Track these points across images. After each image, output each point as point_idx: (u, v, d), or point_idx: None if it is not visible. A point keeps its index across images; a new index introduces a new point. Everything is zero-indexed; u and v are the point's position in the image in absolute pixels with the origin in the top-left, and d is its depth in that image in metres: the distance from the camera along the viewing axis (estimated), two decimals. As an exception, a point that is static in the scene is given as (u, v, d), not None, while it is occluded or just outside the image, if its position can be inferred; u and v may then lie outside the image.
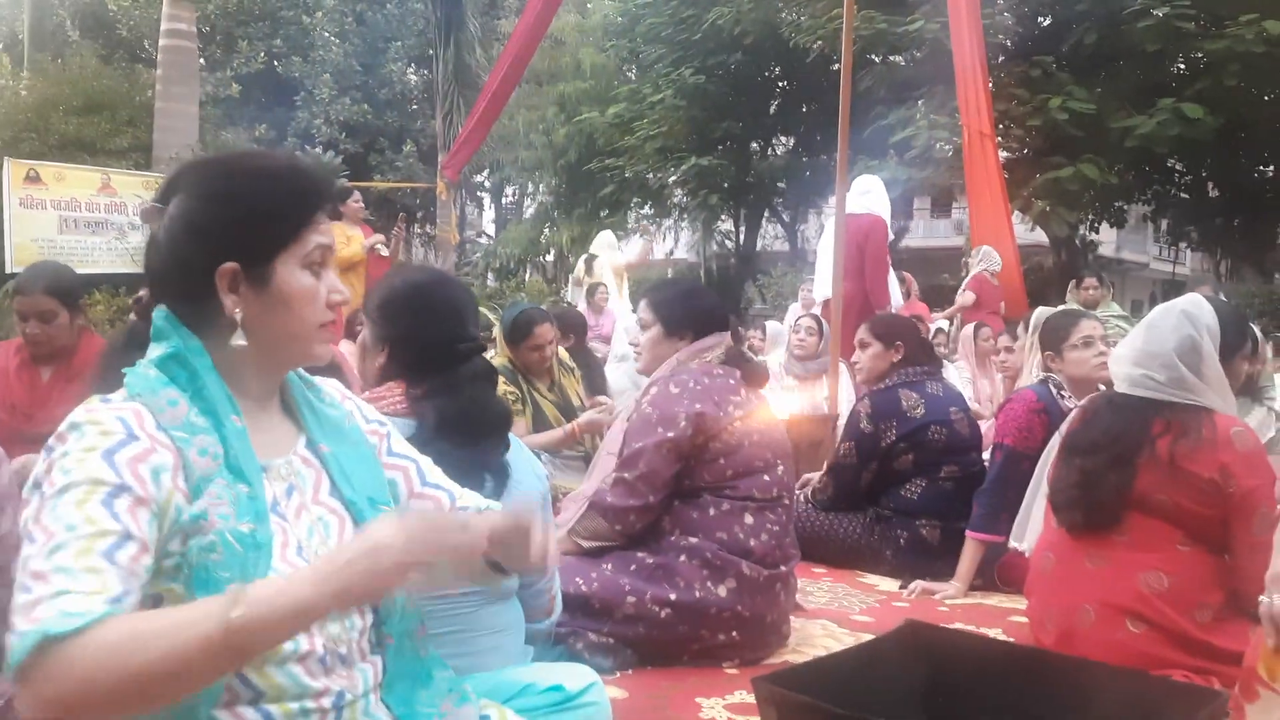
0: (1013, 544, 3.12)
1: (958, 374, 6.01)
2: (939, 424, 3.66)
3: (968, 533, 3.36)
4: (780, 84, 18.44)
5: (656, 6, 16.98)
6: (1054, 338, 3.41)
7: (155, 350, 1.19)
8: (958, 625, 2.97)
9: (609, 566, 2.60)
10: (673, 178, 17.40)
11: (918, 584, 3.44)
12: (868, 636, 2.54)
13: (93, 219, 10.04)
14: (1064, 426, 2.79)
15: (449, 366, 1.94)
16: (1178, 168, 15.61)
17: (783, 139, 19.57)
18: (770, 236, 23.30)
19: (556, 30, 17.80)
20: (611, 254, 9.59)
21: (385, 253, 7.68)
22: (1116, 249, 26.79)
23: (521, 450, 2.09)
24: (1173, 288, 24.40)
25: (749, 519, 2.64)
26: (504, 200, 27.50)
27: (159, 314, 1.21)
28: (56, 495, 1.04)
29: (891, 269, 6.91)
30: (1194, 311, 2.47)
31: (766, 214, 20.89)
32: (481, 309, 2.39)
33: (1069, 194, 12.25)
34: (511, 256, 20.67)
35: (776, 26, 14.54)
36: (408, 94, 20.17)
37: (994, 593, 3.41)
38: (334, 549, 1.10)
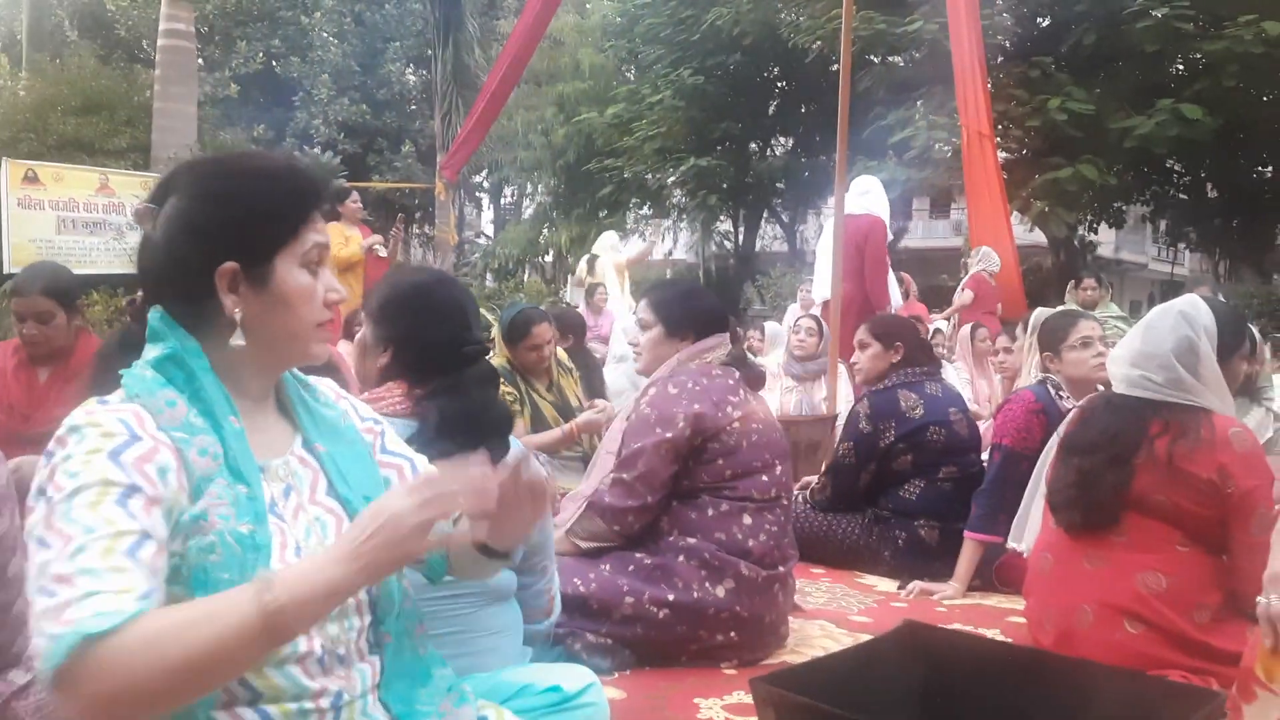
0: (1011, 544, 3.12)
1: (955, 375, 6.02)
2: (938, 425, 3.66)
3: (966, 533, 3.36)
4: (779, 84, 18.44)
5: (655, 7, 16.98)
6: (1052, 338, 3.41)
7: (151, 352, 1.19)
8: (956, 626, 2.97)
9: (607, 567, 2.60)
10: (671, 178, 17.40)
11: (916, 584, 3.44)
12: (866, 637, 2.54)
13: (91, 219, 10.03)
14: (1062, 427, 2.79)
15: (454, 368, 1.93)
16: (1176, 168, 15.62)
17: (782, 139, 19.57)
18: (769, 237, 23.32)
19: (555, 30, 17.80)
20: (613, 254, 9.59)
21: (383, 253, 7.67)
22: (1115, 250, 26.82)
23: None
24: (1171, 288, 24.41)
25: (747, 519, 2.64)
26: (502, 201, 27.50)
27: (154, 315, 1.20)
28: (68, 499, 1.03)
29: (891, 269, 6.92)
30: (1191, 312, 2.47)
31: (765, 215, 20.90)
32: (481, 310, 2.38)
33: (1068, 194, 12.27)
34: (510, 257, 20.67)
35: (775, 27, 14.54)
36: (406, 94, 20.16)
37: (992, 593, 3.41)
38: (348, 529, 1.10)
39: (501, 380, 3.84)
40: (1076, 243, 16.13)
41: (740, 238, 21.32)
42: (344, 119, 18.06)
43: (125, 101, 12.53)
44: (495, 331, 4.25)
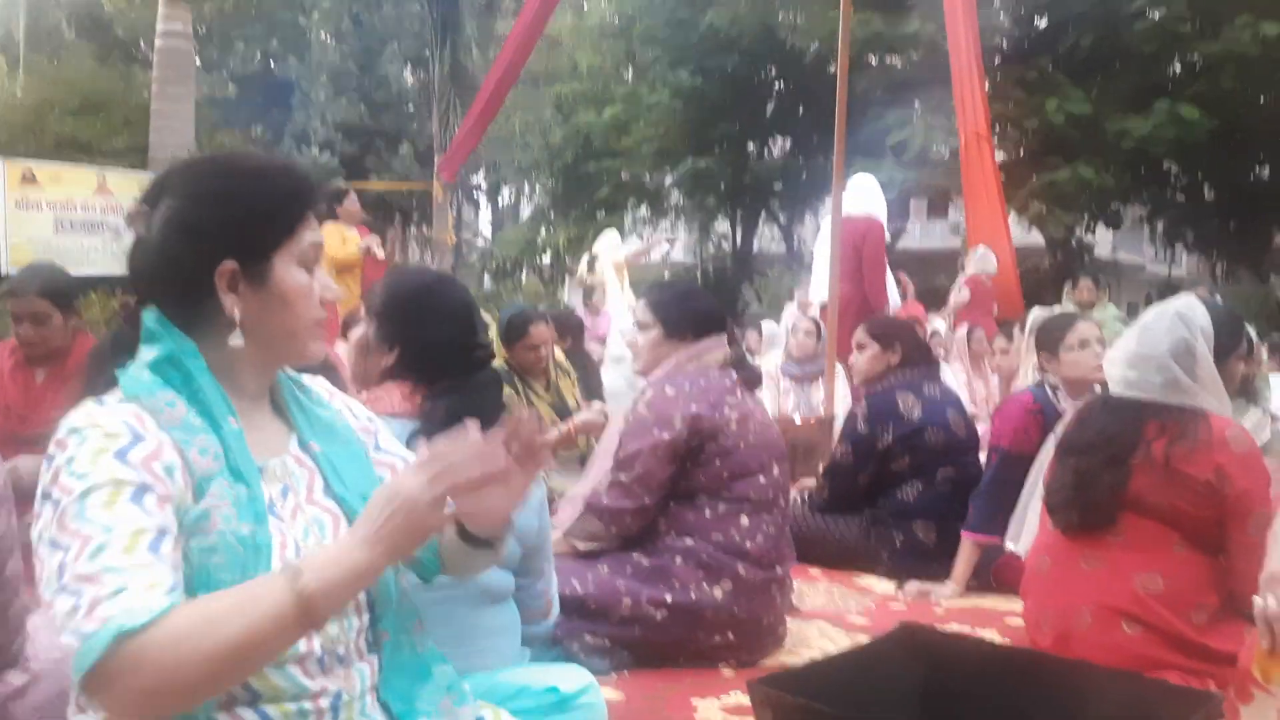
0: (1008, 545, 3.12)
1: (952, 376, 6.02)
2: (936, 426, 3.66)
3: (963, 534, 3.36)
4: (777, 85, 18.44)
5: (653, 8, 16.98)
6: (1050, 339, 3.41)
7: (147, 353, 1.18)
8: (954, 627, 2.97)
9: (605, 568, 2.60)
10: (669, 179, 17.41)
11: (913, 585, 3.44)
12: (864, 638, 2.55)
13: (89, 220, 10.02)
14: (1059, 428, 2.79)
15: (463, 370, 1.93)
16: (1174, 170, 15.64)
17: (779, 140, 19.56)
18: (767, 238, 23.30)
19: (553, 31, 17.77)
20: (614, 253, 9.59)
21: (381, 254, 7.66)
22: (1112, 250, 26.81)
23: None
24: (1169, 289, 24.34)
25: (745, 520, 2.64)
26: (500, 202, 27.50)
27: (149, 316, 1.20)
28: (79, 500, 1.03)
29: (889, 270, 6.91)
30: (1188, 313, 2.47)
31: (763, 215, 20.88)
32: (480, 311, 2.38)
33: (1065, 195, 12.30)
34: (508, 258, 20.67)
35: (773, 28, 14.56)
36: (404, 95, 20.17)
37: (990, 594, 3.40)
38: (364, 514, 1.11)
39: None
40: (1074, 244, 16.15)
41: (738, 238, 21.31)
42: (341, 119, 18.06)
43: (123, 102, 12.55)
44: (494, 333, 4.26)
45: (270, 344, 1.23)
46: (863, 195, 6.62)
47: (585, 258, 9.76)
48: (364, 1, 19.22)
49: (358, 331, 2.21)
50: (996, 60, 12.99)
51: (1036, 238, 15.58)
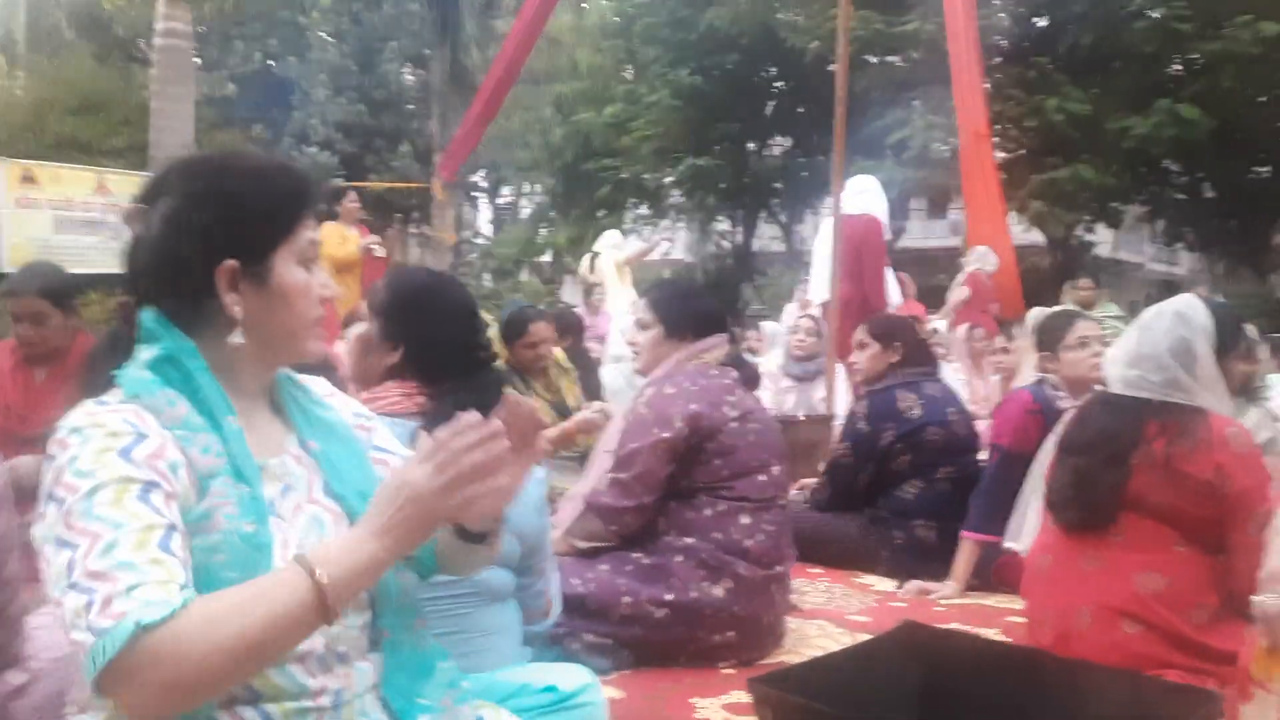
0: (1008, 544, 3.12)
1: (952, 375, 6.02)
2: (936, 425, 3.66)
3: (963, 533, 3.36)
4: (777, 84, 18.44)
5: (653, 7, 17.00)
6: (1050, 338, 3.42)
7: (145, 353, 1.18)
8: (955, 626, 2.97)
9: (605, 567, 2.60)
10: (669, 178, 17.42)
11: (913, 584, 3.44)
12: (864, 637, 2.54)
13: (88, 219, 10.01)
14: (1060, 427, 2.79)
15: (466, 370, 1.93)
16: (1174, 169, 15.65)
17: (779, 139, 19.57)
18: (767, 237, 23.30)
19: (553, 30, 17.77)
20: (615, 252, 9.58)
21: (381, 253, 7.66)
22: (1113, 250, 26.80)
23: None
24: (1169, 288, 24.38)
25: (745, 519, 2.64)
26: (500, 201, 27.49)
27: (147, 315, 1.19)
28: (86, 497, 1.03)
29: (890, 269, 6.92)
30: (1188, 312, 2.47)
31: (763, 215, 20.89)
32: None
33: (1065, 194, 12.30)
34: (508, 257, 20.68)
35: (773, 27, 14.56)
36: (404, 94, 20.13)
37: (991, 593, 3.40)
38: (373, 505, 1.11)
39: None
40: (1074, 243, 16.15)
41: (738, 238, 21.32)
42: (341, 119, 18.03)
43: (122, 101, 12.54)
44: (494, 332, 4.26)
45: (270, 343, 1.23)
46: (863, 194, 6.63)
47: (587, 256, 9.76)
48: (363, 1, 19.20)
49: (357, 331, 2.21)
50: (996, 59, 12.97)
51: (1036, 237, 15.59)
